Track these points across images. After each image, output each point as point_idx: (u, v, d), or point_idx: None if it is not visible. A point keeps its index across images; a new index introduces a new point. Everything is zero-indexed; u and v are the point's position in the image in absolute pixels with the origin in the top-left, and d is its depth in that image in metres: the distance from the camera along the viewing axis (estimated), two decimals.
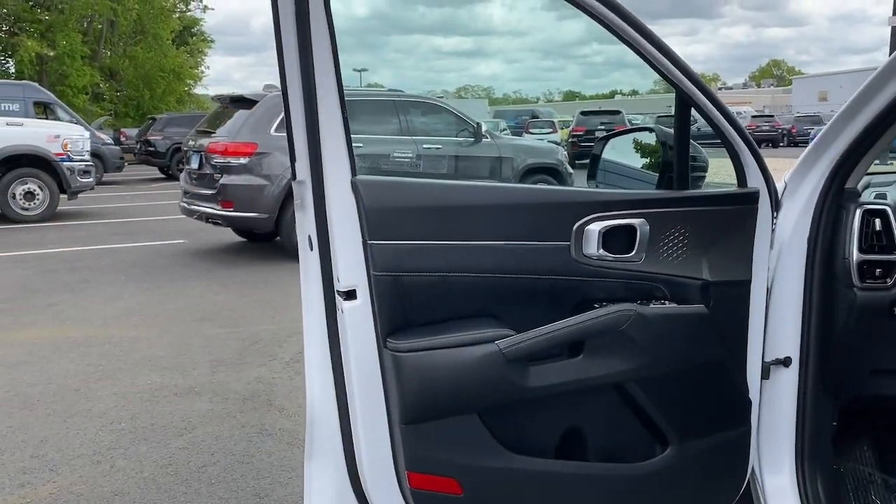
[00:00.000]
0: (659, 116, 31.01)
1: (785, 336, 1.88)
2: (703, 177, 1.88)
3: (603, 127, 21.53)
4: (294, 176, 1.63)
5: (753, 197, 1.80)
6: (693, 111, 1.74)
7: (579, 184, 9.97)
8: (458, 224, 1.62)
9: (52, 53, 29.88)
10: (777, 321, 1.87)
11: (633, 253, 1.72)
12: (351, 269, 1.56)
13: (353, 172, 1.57)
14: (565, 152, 11.28)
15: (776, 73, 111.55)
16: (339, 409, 1.66)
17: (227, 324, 5.48)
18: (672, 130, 1.85)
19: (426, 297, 1.60)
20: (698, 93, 1.68)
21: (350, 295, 1.57)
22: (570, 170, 10.02)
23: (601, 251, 1.70)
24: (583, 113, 23.91)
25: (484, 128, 9.20)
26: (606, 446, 1.75)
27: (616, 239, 1.71)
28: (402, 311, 1.58)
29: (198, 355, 4.72)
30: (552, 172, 9.65)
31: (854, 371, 1.93)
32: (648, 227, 1.72)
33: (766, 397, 1.88)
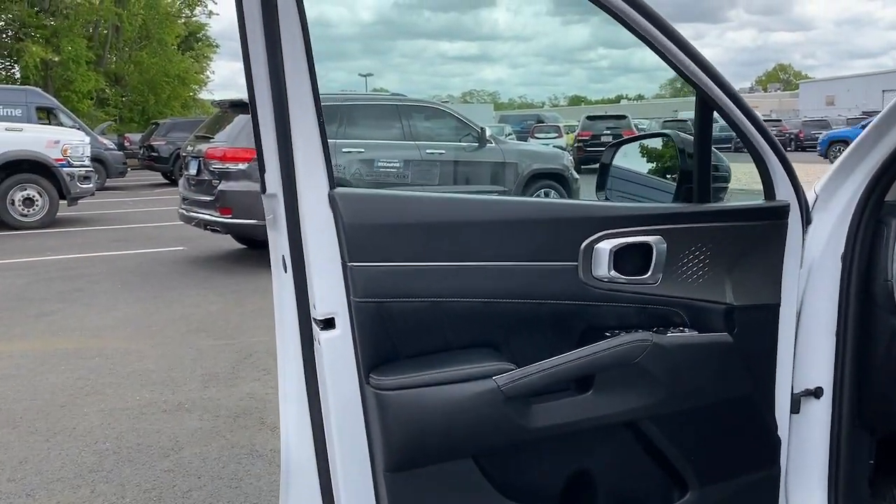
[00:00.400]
0: (666, 121, 30.84)
1: (815, 364, 1.70)
2: (726, 188, 1.70)
3: (609, 131, 21.31)
4: (263, 188, 1.46)
5: (783, 211, 1.62)
6: (715, 114, 1.56)
7: (586, 191, 9.82)
8: (452, 243, 1.44)
9: (56, 59, 29.84)
10: (807, 348, 1.69)
11: (649, 274, 1.55)
12: (329, 294, 1.39)
13: (331, 184, 1.40)
14: (571, 157, 11.11)
15: (783, 78, 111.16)
16: (317, 454, 1.48)
17: (223, 335, 5.32)
18: (690, 136, 1.68)
19: (414, 327, 1.42)
20: (720, 93, 1.51)
21: (328, 324, 1.40)
22: (576, 175, 9.84)
23: (612, 272, 1.52)
24: (589, 118, 23.70)
25: (488, 132, 9.04)
26: (619, 492, 1.57)
27: (629, 259, 1.54)
28: (387, 342, 1.41)
29: (190, 369, 4.55)
30: (558, 178, 9.47)
31: (894, 403, 1.75)
32: (665, 246, 1.55)
33: (796, 433, 1.70)
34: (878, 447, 1.81)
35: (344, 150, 7.61)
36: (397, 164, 8.11)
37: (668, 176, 1.82)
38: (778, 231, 1.62)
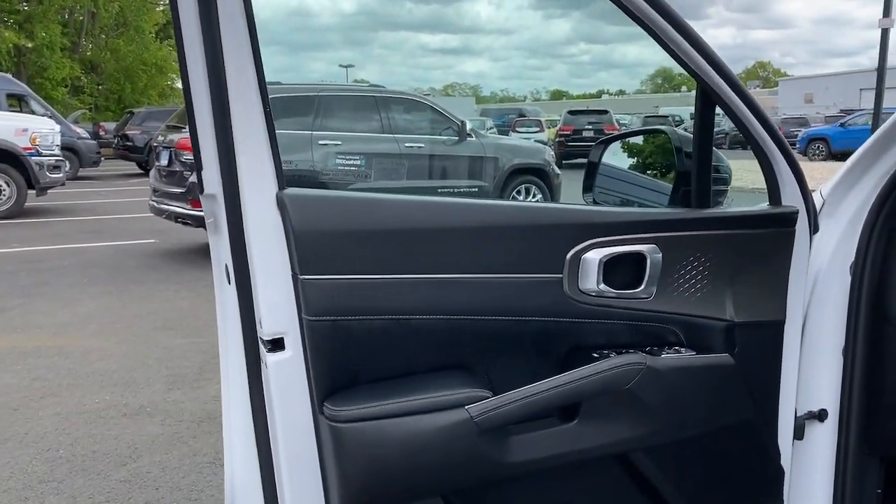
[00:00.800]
0: (647, 116, 30.89)
1: (820, 385, 1.56)
2: (726, 191, 1.55)
3: (591, 126, 21.21)
4: (201, 188, 1.28)
5: (791, 218, 1.47)
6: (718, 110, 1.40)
7: (567, 187, 9.68)
8: (419, 252, 1.28)
9: (30, 45, 29.23)
10: (810, 367, 1.55)
11: (642, 288, 1.40)
12: (277, 311, 1.22)
13: (280, 184, 1.22)
14: (552, 152, 10.96)
15: (762, 75, 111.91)
16: (265, 494, 1.31)
17: (191, 333, 5.11)
18: (687, 134, 1.52)
19: (376, 348, 1.26)
20: (724, 85, 1.35)
21: (276, 345, 1.23)
22: (558, 171, 9.69)
23: (602, 286, 1.37)
24: (570, 112, 23.57)
25: (469, 126, 8.86)
26: None
27: (620, 270, 1.39)
28: (345, 366, 1.24)
29: (154, 369, 4.35)
30: (539, 173, 9.31)
31: None
32: (661, 256, 1.39)
33: (800, 461, 1.56)
34: (888, 475, 1.68)
35: (320, 142, 7.41)
36: (374, 158, 7.92)
37: (664, 177, 1.67)
38: (785, 240, 1.47)
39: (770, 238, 1.46)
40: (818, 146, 24.02)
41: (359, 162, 7.71)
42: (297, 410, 1.24)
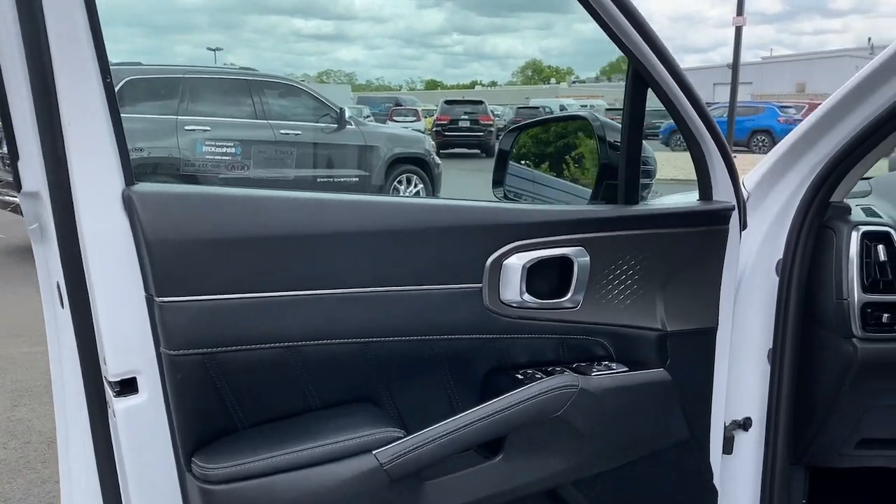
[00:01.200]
0: (519, 107, 31.46)
1: (745, 392, 1.47)
2: (650, 185, 1.41)
3: (466, 116, 21.32)
4: (18, 185, 1.01)
5: (725, 215, 1.36)
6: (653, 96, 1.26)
7: (447, 179, 9.58)
8: (309, 262, 1.06)
9: None
10: (737, 373, 1.45)
11: (568, 296, 1.24)
12: (127, 343, 0.96)
13: (128, 179, 0.96)
14: (432, 141, 10.84)
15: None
16: None
17: (40, 340, 4.57)
18: (611, 122, 1.38)
19: (258, 385, 1.02)
20: (659, 65, 1.21)
21: (127, 387, 0.98)
22: (438, 160, 9.58)
23: (525, 295, 1.20)
24: (446, 102, 23.59)
25: (348, 113, 8.56)
26: None
27: (544, 276, 1.22)
28: (218, 410, 1.00)
29: None
30: (419, 163, 9.15)
31: (837, 439, 1.54)
32: (588, 259, 1.24)
33: (726, 473, 1.46)
34: (812, 482, 1.62)
35: (186, 128, 6.90)
36: (248, 145, 7.49)
37: (584, 169, 1.52)
38: (718, 238, 1.36)
39: (703, 237, 1.34)
40: (679, 137, 25.21)
41: (231, 149, 7.26)
42: (157, 469, 0.99)
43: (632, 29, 1.16)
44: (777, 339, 1.45)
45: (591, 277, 1.25)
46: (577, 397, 1.17)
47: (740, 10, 20.40)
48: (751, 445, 1.49)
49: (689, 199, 1.77)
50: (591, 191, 1.42)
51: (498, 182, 1.59)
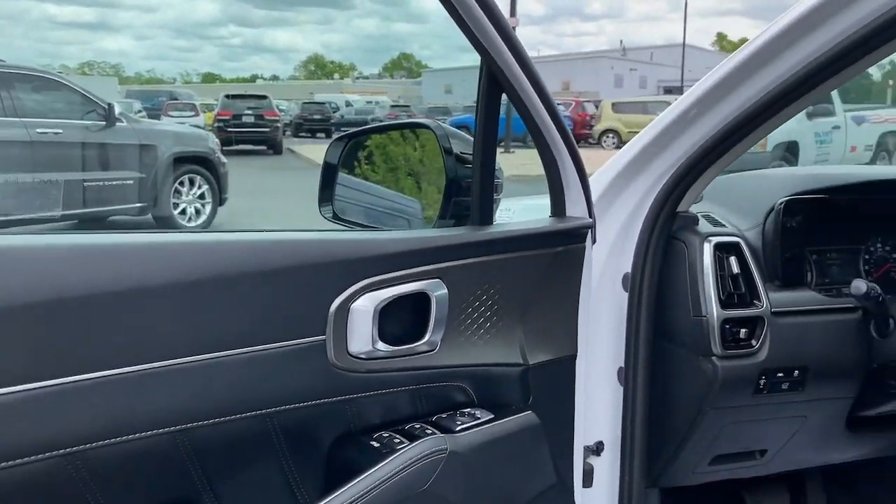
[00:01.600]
0: (304, 103, 30.86)
1: (598, 416, 1.39)
2: (498, 200, 1.27)
3: (250, 111, 20.44)
4: None
5: (582, 232, 1.25)
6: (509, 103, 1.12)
7: (233, 180, 9.00)
8: (92, 333, 0.80)
9: None
10: (591, 397, 1.36)
11: (426, 338, 1.06)
12: None
13: None
14: (216, 139, 10.18)
15: (406, 66, 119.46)
16: None
17: None
18: (457, 131, 1.22)
19: None
20: (516, 67, 1.07)
21: None
22: (224, 159, 8.98)
23: (378, 344, 1.01)
24: (228, 96, 22.43)
25: (118, 109, 7.73)
26: None
27: (397, 317, 1.04)
28: None
29: None
30: (204, 162, 8.50)
31: (693, 459, 1.51)
32: (447, 292, 1.08)
33: (583, 502, 1.36)
34: (663, 502, 1.58)
35: None
36: None
37: (428, 184, 1.35)
38: (575, 257, 1.25)
39: (561, 257, 1.23)
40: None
41: None
42: None
43: (490, 25, 1.01)
44: (629, 358, 1.38)
45: (449, 313, 1.09)
46: (445, 464, 1.00)
47: (513, 12, 21.55)
48: (605, 470, 1.42)
49: (530, 203, 1.67)
50: (432, 209, 1.26)
51: (326, 199, 1.37)
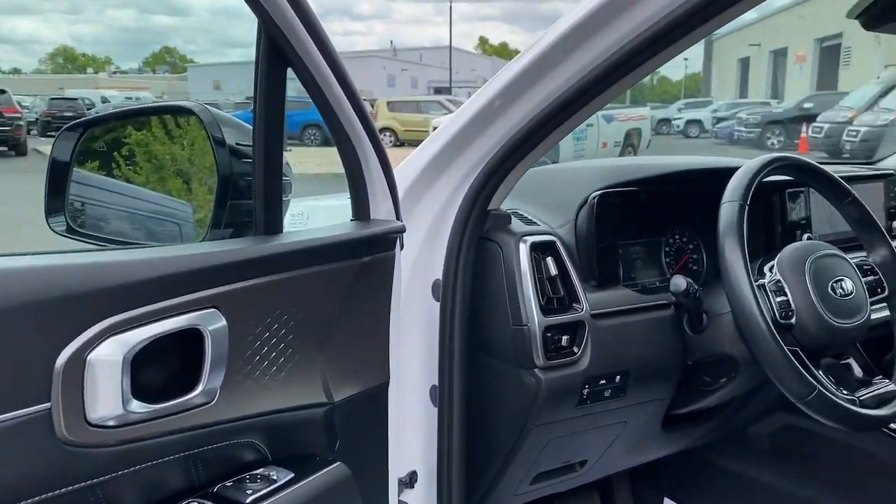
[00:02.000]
0: (52, 98, 27.81)
1: (410, 443, 1.22)
2: (288, 202, 1.04)
3: None
4: None
5: (391, 238, 1.05)
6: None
7: None
8: None
9: None
10: (403, 423, 1.18)
11: (200, 388, 0.81)
12: None
13: None
14: None
15: (169, 61, 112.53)
16: None
17: None
18: (232, 116, 0.97)
19: None
20: (307, 38, 0.84)
21: None
22: None
23: (133, 404, 0.74)
24: None
25: None
26: None
27: (159, 364, 0.78)
28: None
29: None
30: None
31: (515, 479, 1.37)
32: (226, 325, 0.83)
33: None
34: None
35: None
36: None
37: (193, 181, 1.07)
38: (383, 268, 1.05)
39: (367, 268, 1.02)
40: (313, 132, 24.65)
41: None
42: None
43: None
44: (443, 375, 1.21)
45: (230, 352, 0.84)
46: None
47: None
48: (420, 500, 1.24)
49: (321, 204, 1.45)
50: (204, 213, 1.00)
51: (56, 209, 1.04)
